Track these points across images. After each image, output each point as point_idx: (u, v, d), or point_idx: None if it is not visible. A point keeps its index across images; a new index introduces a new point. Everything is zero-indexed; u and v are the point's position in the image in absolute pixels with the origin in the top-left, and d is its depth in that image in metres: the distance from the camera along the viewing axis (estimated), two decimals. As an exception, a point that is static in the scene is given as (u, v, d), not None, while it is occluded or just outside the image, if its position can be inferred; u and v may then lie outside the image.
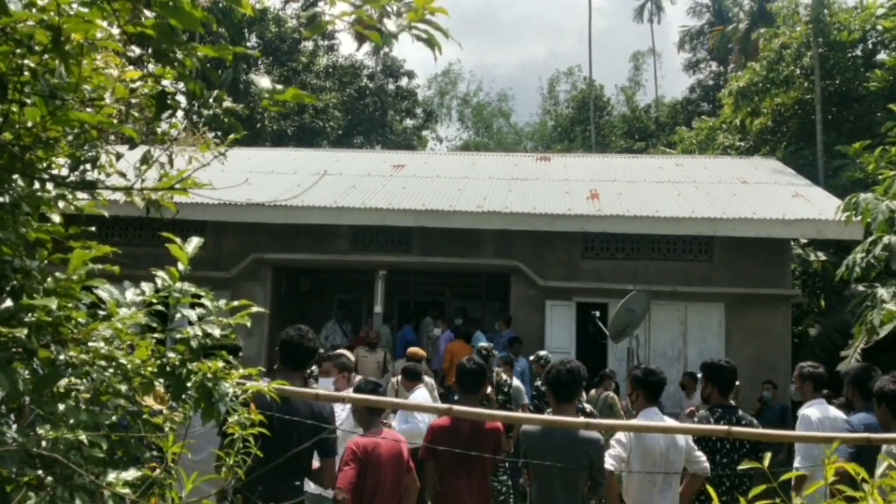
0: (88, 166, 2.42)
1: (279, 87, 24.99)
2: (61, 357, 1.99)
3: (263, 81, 27.35)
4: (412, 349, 9.51)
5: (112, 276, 2.28)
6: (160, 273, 2.22)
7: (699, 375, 5.97)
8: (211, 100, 2.41)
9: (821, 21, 19.67)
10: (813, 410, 6.01)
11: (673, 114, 36.56)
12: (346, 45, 67.71)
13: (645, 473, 4.73)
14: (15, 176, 2.17)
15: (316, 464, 4.32)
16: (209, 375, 2.14)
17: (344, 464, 4.45)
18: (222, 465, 2.46)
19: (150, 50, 2.23)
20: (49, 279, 2.08)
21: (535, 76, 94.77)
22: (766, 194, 13.47)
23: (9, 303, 1.95)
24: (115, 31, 2.13)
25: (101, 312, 2.13)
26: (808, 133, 20.37)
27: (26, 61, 2.00)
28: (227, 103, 2.44)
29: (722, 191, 13.78)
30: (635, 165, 16.73)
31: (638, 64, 47.75)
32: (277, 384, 2.71)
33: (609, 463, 4.70)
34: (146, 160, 2.47)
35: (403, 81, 38.88)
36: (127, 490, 1.87)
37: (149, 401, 2.19)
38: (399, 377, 9.02)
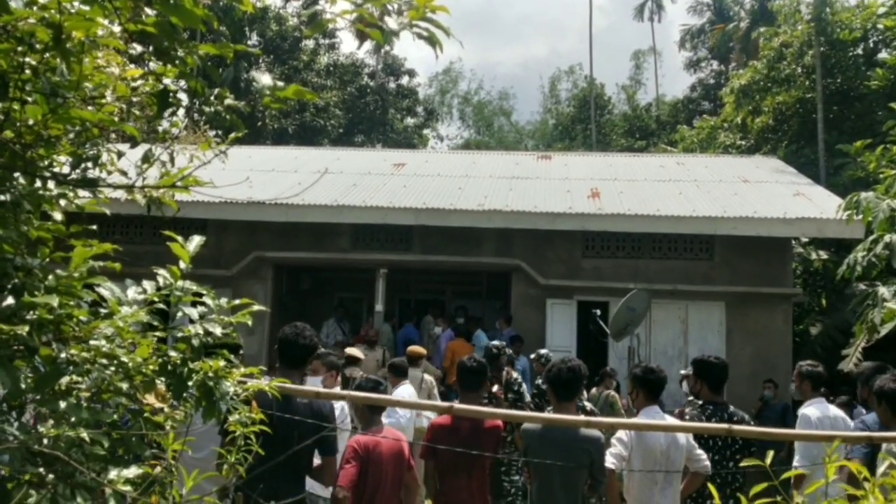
0: (90, 164, 2.43)
1: (280, 84, 24.95)
2: (63, 355, 1.99)
3: (265, 78, 27.35)
4: (412, 347, 9.52)
5: (113, 274, 2.28)
6: (161, 271, 2.22)
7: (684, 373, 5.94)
8: (212, 98, 2.41)
9: (822, 19, 19.65)
10: (812, 409, 6.01)
11: (674, 112, 36.54)
12: (347, 44, 67.72)
13: (646, 472, 4.73)
14: (16, 174, 2.17)
15: (317, 461, 4.33)
16: (210, 374, 2.14)
17: (345, 462, 4.45)
18: (223, 462, 2.47)
19: (151, 48, 2.23)
20: (50, 277, 2.09)
21: (536, 75, 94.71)
22: (767, 193, 13.46)
23: (10, 300, 1.95)
24: (117, 28, 2.14)
25: (103, 310, 2.13)
26: (809, 132, 20.36)
27: (27, 59, 2.00)
28: (229, 101, 2.44)
29: (723, 189, 13.77)
30: (636, 164, 16.72)
31: (639, 62, 47.74)
32: (277, 382, 2.71)
33: (610, 461, 4.70)
34: (147, 158, 2.48)
35: (404, 80, 38.87)
36: (128, 488, 1.88)
37: (150, 399, 2.20)
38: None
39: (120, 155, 2.55)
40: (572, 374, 4.84)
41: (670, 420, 5.09)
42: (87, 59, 2.20)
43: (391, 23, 2.09)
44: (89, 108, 2.30)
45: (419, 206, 12.29)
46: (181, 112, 2.46)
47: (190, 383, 2.11)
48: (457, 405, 3.81)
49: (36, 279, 2.07)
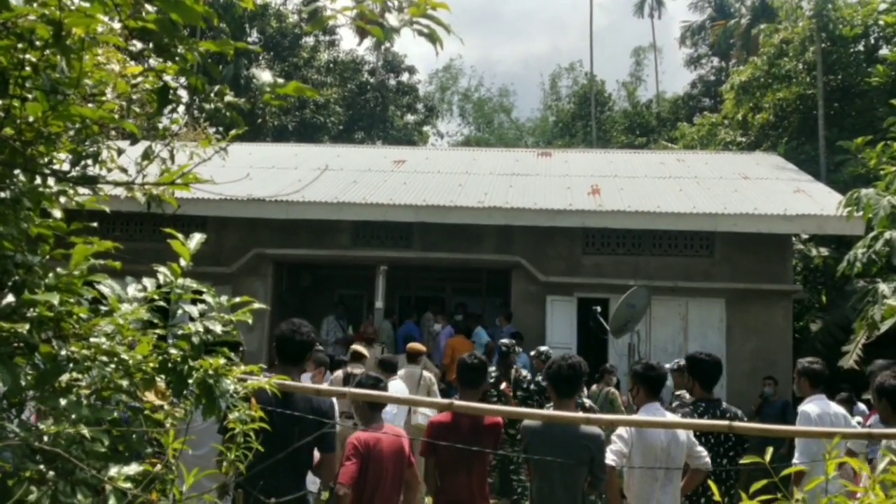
0: (90, 161, 2.42)
1: (280, 80, 24.96)
2: (63, 352, 1.99)
3: (265, 75, 27.33)
4: (411, 344, 9.53)
5: (113, 272, 2.28)
6: (162, 269, 2.22)
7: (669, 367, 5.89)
8: (212, 94, 2.41)
9: (823, 16, 19.63)
10: (812, 406, 6.00)
11: (674, 109, 36.50)
12: (348, 41, 67.66)
13: (646, 469, 4.73)
14: (16, 171, 2.17)
15: (316, 456, 4.34)
16: (210, 372, 2.14)
17: (345, 459, 4.45)
18: (223, 460, 2.47)
19: (151, 44, 2.23)
20: (51, 274, 2.08)
21: (536, 71, 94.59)
22: (767, 190, 13.45)
23: (10, 298, 1.95)
24: (117, 25, 2.13)
25: (103, 308, 2.13)
26: (809, 128, 20.35)
27: (27, 56, 2.00)
28: (229, 98, 2.44)
29: (723, 186, 13.77)
30: (636, 161, 16.72)
31: (639, 59, 47.67)
32: (277, 379, 2.71)
33: (610, 458, 4.70)
34: (147, 155, 2.47)
35: (404, 77, 38.82)
36: (129, 485, 1.88)
37: (150, 396, 2.20)
38: (399, 373, 9.04)
39: (120, 152, 2.55)
40: (572, 370, 4.84)
41: (671, 417, 5.08)
42: (88, 56, 2.19)
43: (391, 19, 2.08)
44: (89, 104, 2.30)
45: (419, 203, 12.29)
46: (181, 109, 2.46)
47: (190, 381, 2.11)
48: (456, 402, 3.81)
49: (36, 276, 2.07)
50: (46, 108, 2.06)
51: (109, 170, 2.52)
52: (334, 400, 4.67)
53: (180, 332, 2.18)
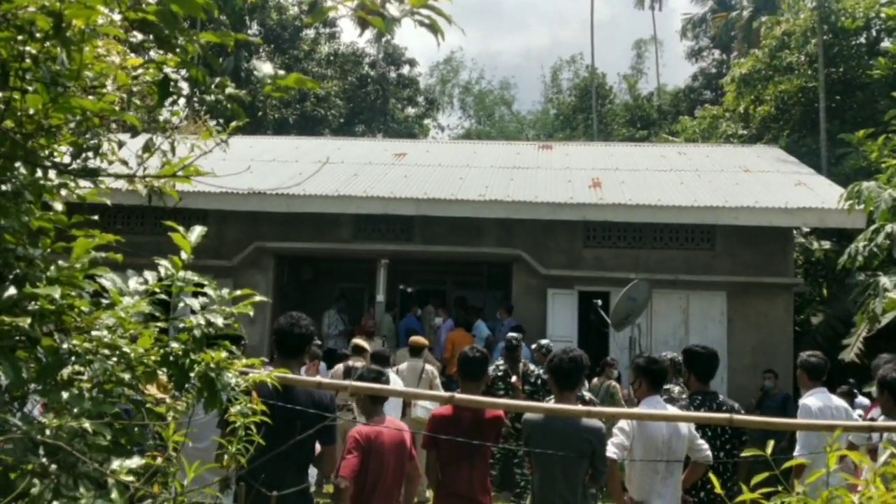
0: (90, 154, 2.42)
1: (281, 73, 24.91)
2: (64, 346, 1.99)
3: (266, 67, 27.28)
4: (414, 338, 9.52)
5: (115, 265, 2.28)
6: (163, 262, 2.22)
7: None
8: (213, 87, 2.40)
9: (825, 8, 19.57)
10: (813, 399, 6.00)
11: (675, 102, 36.42)
12: (348, 33, 67.51)
13: (647, 461, 4.73)
14: (17, 164, 2.17)
15: (318, 449, 4.35)
16: (212, 365, 2.14)
17: (347, 452, 4.46)
18: (224, 453, 2.47)
19: (151, 36, 2.22)
20: (52, 267, 2.08)
21: (537, 64, 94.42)
22: (768, 183, 13.44)
23: (12, 291, 1.94)
24: (117, 17, 2.12)
25: (105, 301, 2.13)
26: (811, 121, 20.31)
27: (28, 48, 1.99)
28: (230, 90, 2.43)
29: (724, 179, 13.75)
30: (637, 154, 16.70)
31: (640, 52, 47.59)
32: (278, 373, 2.71)
33: (612, 451, 4.71)
34: (148, 148, 2.47)
35: (405, 69, 38.76)
36: (131, 478, 1.88)
37: (152, 389, 2.20)
38: (400, 366, 9.05)
39: (121, 144, 2.54)
40: (574, 364, 4.83)
41: (672, 410, 5.08)
42: (88, 48, 2.18)
43: (392, 10, 2.08)
44: (90, 97, 2.29)
45: (420, 196, 12.28)
46: (182, 101, 2.45)
47: (192, 374, 2.11)
48: (458, 395, 3.81)
49: (37, 270, 2.06)
50: (47, 101, 2.06)
51: (110, 162, 2.51)
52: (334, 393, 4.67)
53: (182, 325, 2.18)
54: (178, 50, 2.19)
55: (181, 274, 2.21)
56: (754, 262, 12.32)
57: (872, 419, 6.57)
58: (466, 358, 5.22)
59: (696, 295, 12.35)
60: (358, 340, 8.99)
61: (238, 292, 2.32)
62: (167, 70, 2.29)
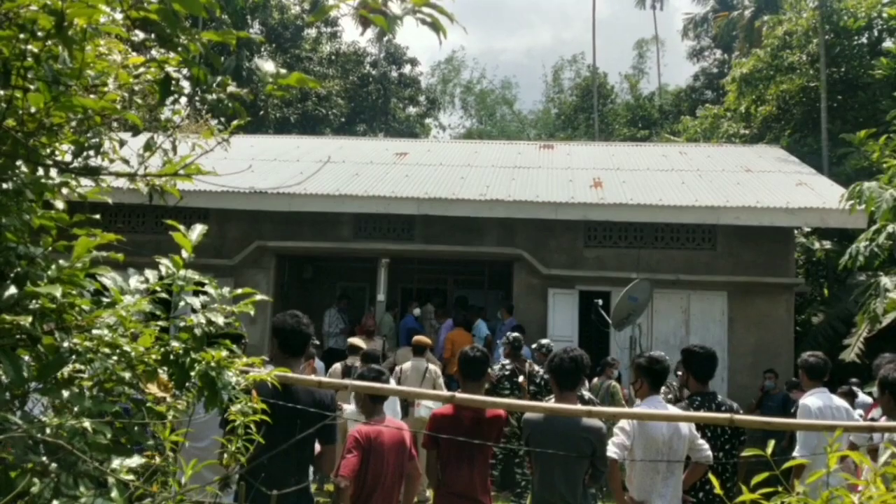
0: (92, 153, 2.41)
1: (283, 72, 24.90)
2: (65, 344, 1.99)
3: (268, 65, 27.27)
4: (418, 337, 9.52)
5: (116, 264, 2.28)
6: (164, 260, 2.22)
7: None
8: (215, 85, 2.40)
9: (827, 7, 19.55)
10: (813, 399, 6.00)
11: (676, 102, 36.40)
12: (350, 33, 67.50)
13: (648, 461, 4.73)
14: (18, 162, 2.17)
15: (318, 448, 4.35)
16: (213, 364, 2.14)
17: (346, 451, 4.46)
18: (224, 451, 2.47)
19: (153, 35, 2.22)
20: (53, 266, 2.08)
21: (539, 64, 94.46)
22: (769, 182, 13.43)
23: (13, 290, 1.94)
24: (119, 16, 2.12)
25: (105, 300, 2.13)
26: (812, 121, 20.29)
27: (29, 46, 1.99)
28: (231, 88, 2.43)
29: (725, 179, 13.75)
30: (639, 153, 16.69)
31: (642, 52, 47.57)
32: (279, 371, 2.71)
33: (612, 451, 4.71)
34: (149, 147, 2.47)
35: (406, 69, 38.73)
36: (131, 477, 1.88)
37: (152, 388, 2.20)
38: (404, 366, 9.04)
39: (122, 143, 2.54)
40: (574, 363, 4.84)
41: (672, 410, 5.08)
42: (90, 47, 2.18)
43: (394, 8, 2.07)
44: (91, 95, 2.29)
45: (421, 195, 12.28)
46: (183, 100, 2.45)
47: (192, 373, 2.11)
48: (458, 394, 3.81)
49: (39, 268, 2.06)
50: (48, 99, 2.06)
51: (112, 161, 2.51)
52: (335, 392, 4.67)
53: (182, 324, 2.18)
54: (179, 49, 2.19)
55: (182, 273, 2.21)
56: (755, 262, 12.31)
57: (873, 419, 6.57)
58: (467, 357, 5.22)
59: (696, 295, 12.34)
60: (353, 339, 8.99)
61: (239, 291, 2.32)
62: (169, 69, 2.29)
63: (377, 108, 35.54)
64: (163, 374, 2.16)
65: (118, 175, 2.44)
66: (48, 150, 2.29)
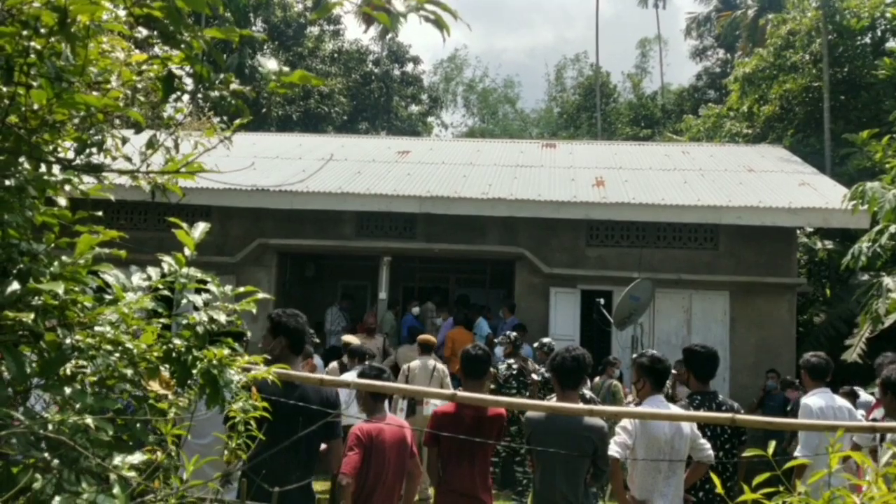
0: (94, 150, 2.41)
1: (286, 69, 24.92)
2: (67, 341, 1.99)
3: (271, 63, 27.30)
4: (423, 336, 9.51)
5: (118, 261, 2.28)
6: (166, 258, 2.22)
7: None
8: (218, 83, 2.40)
9: (830, 7, 19.52)
10: (815, 399, 5.99)
11: (679, 101, 36.37)
12: (352, 31, 67.55)
13: (650, 461, 4.73)
14: (21, 159, 2.17)
15: (323, 446, 4.36)
16: (214, 362, 2.14)
17: (348, 449, 4.47)
18: (229, 449, 2.47)
19: (156, 32, 2.22)
20: (56, 263, 2.08)
21: (542, 62, 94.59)
22: (772, 182, 13.41)
23: (15, 286, 1.94)
24: (122, 12, 2.12)
25: (108, 297, 2.13)
26: (815, 121, 20.26)
27: (32, 43, 1.99)
28: (235, 86, 2.43)
29: (728, 179, 13.73)
30: (641, 153, 16.67)
31: (645, 51, 47.54)
32: (279, 368, 2.71)
33: (614, 450, 4.71)
34: (152, 144, 2.46)
35: (409, 67, 38.74)
36: (133, 473, 1.88)
37: (154, 385, 2.20)
38: (411, 364, 9.03)
39: (124, 141, 2.54)
40: (576, 362, 4.84)
41: (674, 409, 5.08)
42: (92, 44, 2.18)
43: (398, 6, 2.07)
44: (94, 92, 2.29)
45: (423, 193, 12.28)
46: (186, 97, 2.45)
47: (194, 370, 2.11)
48: (460, 393, 3.81)
49: (41, 265, 2.06)
50: (51, 96, 2.06)
51: (114, 158, 2.51)
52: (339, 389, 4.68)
53: (184, 321, 2.18)
54: (182, 46, 2.19)
55: (184, 270, 2.21)
56: (757, 262, 12.30)
57: (874, 420, 6.56)
58: (469, 356, 5.22)
59: (698, 294, 12.34)
60: (346, 337, 8.99)
61: (241, 289, 2.32)
62: (172, 66, 2.29)
63: (379, 107, 35.55)
64: (165, 372, 2.16)
65: (121, 172, 2.44)
66: (51, 147, 2.29)
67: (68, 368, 2.04)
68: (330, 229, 12.84)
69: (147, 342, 2.10)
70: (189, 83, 2.39)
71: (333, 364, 8.71)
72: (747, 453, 2.41)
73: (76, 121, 2.32)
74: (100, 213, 2.30)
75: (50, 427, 1.85)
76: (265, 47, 30.03)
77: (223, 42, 2.24)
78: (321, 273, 15.78)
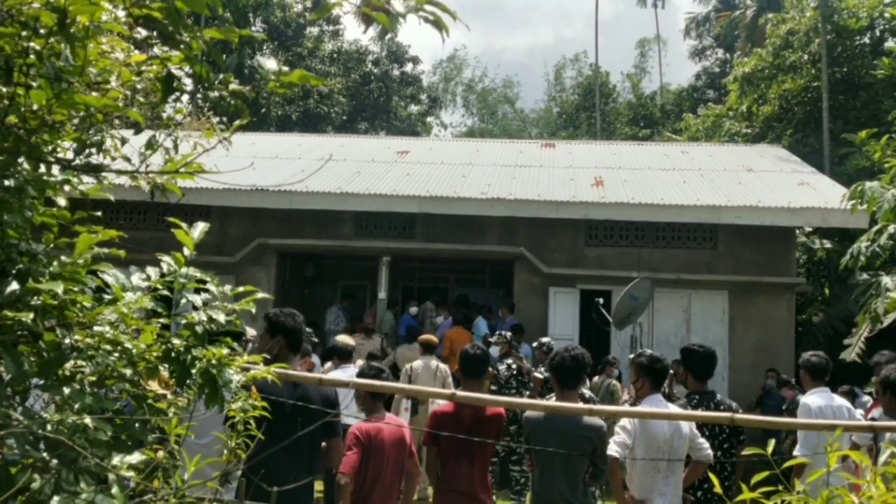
0: (94, 150, 2.42)
1: (286, 69, 24.89)
2: (66, 341, 1.99)
3: (270, 63, 27.29)
4: (425, 336, 9.51)
5: (117, 261, 2.28)
6: (165, 258, 2.22)
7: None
8: (217, 83, 2.40)
9: (829, 7, 19.53)
10: (814, 398, 6.00)
11: (678, 101, 36.36)
12: (352, 31, 67.54)
13: (649, 460, 4.73)
14: (21, 159, 2.17)
15: (323, 444, 4.37)
16: (214, 362, 2.14)
17: (347, 448, 4.47)
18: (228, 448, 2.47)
19: (155, 32, 2.22)
20: (55, 263, 2.08)
21: (541, 62, 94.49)
22: (771, 182, 13.42)
23: (15, 286, 1.95)
24: (121, 13, 2.12)
25: (107, 297, 2.13)
26: (814, 120, 20.27)
27: (32, 44, 1.99)
28: (234, 86, 2.43)
29: (727, 178, 13.74)
30: (640, 153, 16.68)
31: (644, 51, 47.52)
32: (278, 367, 2.71)
33: (613, 450, 4.71)
34: (151, 145, 2.47)
35: (408, 67, 38.72)
36: (131, 473, 1.88)
37: (153, 385, 2.20)
38: (414, 364, 9.03)
39: (124, 141, 2.54)
40: (575, 362, 4.84)
41: (673, 408, 5.08)
42: (92, 44, 2.18)
43: (397, 6, 2.07)
44: (93, 93, 2.29)
45: (423, 193, 12.28)
46: (185, 98, 2.45)
47: (193, 370, 2.11)
48: (459, 392, 3.82)
49: (40, 265, 2.07)
50: (50, 96, 2.06)
51: (113, 158, 2.51)
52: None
53: (184, 321, 2.18)
54: (182, 46, 2.19)
55: (183, 270, 2.21)
56: (756, 262, 12.31)
57: (873, 419, 6.56)
58: (467, 355, 5.23)
59: (697, 294, 12.35)
60: (341, 337, 8.99)
61: (240, 289, 2.32)
62: (171, 67, 2.29)
63: (379, 107, 35.53)
64: (164, 372, 2.17)
65: (120, 172, 2.44)
66: (50, 148, 2.29)
67: (67, 368, 2.04)
68: (329, 229, 12.84)
69: (146, 342, 2.11)
70: (188, 83, 2.39)
71: (329, 365, 8.72)
72: (746, 452, 2.42)
73: (75, 121, 2.32)
74: (99, 214, 2.30)
75: (49, 427, 1.85)
76: (265, 47, 30.02)
77: (222, 42, 2.24)
78: (320, 273, 15.79)
